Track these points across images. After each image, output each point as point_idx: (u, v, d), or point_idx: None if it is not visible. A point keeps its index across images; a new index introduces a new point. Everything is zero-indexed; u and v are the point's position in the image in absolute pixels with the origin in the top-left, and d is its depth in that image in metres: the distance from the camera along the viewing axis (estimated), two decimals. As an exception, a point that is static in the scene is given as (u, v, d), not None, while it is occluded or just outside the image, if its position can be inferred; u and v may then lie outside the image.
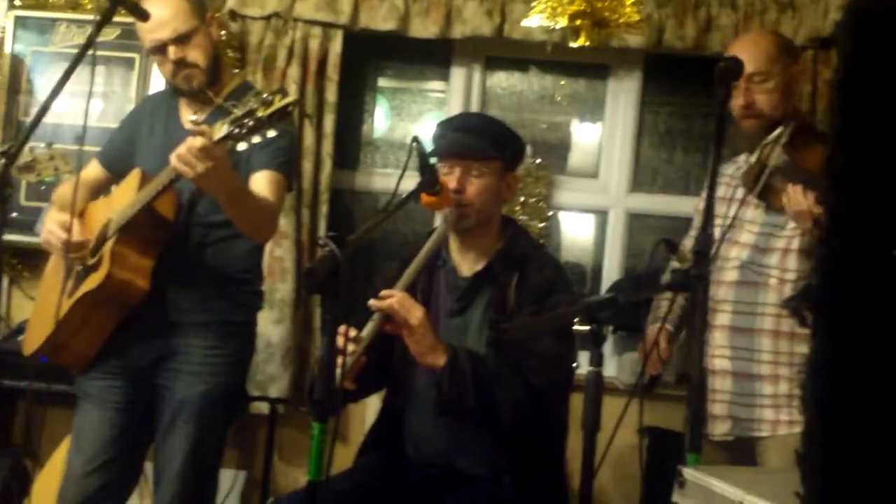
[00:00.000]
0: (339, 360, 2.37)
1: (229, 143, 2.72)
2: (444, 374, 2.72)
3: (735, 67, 2.73)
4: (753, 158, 3.08)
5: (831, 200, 1.28)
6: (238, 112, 2.68)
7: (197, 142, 2.71)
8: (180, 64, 3.19)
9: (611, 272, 4.77)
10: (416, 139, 2.80)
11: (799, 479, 1.30)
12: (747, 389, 3.09)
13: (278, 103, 2.64)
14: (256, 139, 2.69)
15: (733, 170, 3.29)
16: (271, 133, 2.69)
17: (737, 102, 3.10)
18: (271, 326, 4.37)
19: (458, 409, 2.75)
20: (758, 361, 3.08)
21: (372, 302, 2.74)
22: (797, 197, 2.76)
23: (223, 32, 4.49)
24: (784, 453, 3.02)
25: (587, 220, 4.94)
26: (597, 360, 2.25)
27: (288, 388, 4.47)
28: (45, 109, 2.76)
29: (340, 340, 2.42)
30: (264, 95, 2.66)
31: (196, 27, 3.19)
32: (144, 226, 3.10)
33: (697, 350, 2.20)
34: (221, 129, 2.70)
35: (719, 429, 3.08)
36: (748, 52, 3.08)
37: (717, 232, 3.08)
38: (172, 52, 3.17)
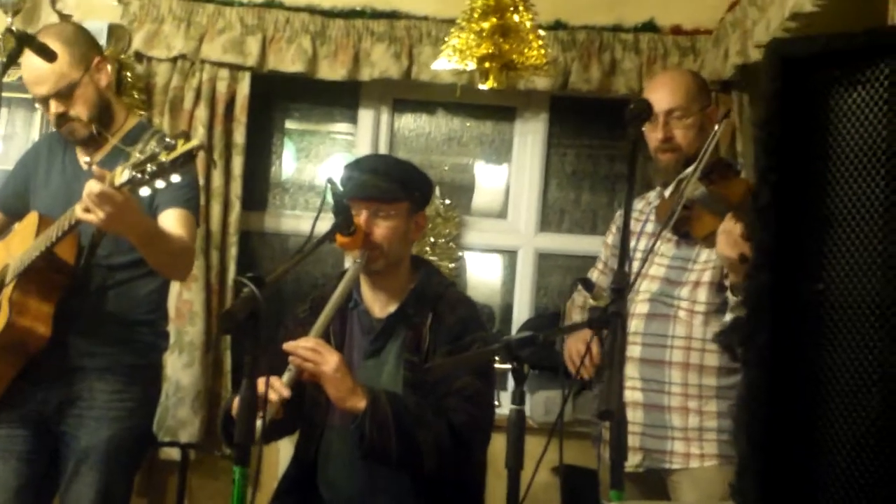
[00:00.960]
0: (260, 409, 2.34)
1: (132, 187, 2.65)
2: (365, 418, 2.69)
3: (645, 109, 2.77)
4: (668, 192, 3.14)
5: (757, 236, 1.32)
6: (140, 156, 2.61)
7: (96, 187, 2.64)
8: (61, 117, 3.13)
9: (521, 311, 4.82)
10: (330, 180, 2.81)
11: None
12: (658, 421, 3.12)
13: (181, 148, 2.57)
14: (160, 184, 2.61)
15: (643, 205, 3.36)
16: (175, 178, 2.61)
17: (655, 136, 3.17)
18: (181, 370, 4.31)
19: (382, 452, 2.72)
20: (668, 393, 3.11)
21: (287, 348, 2.71)
22: (728, 225, 2.80)
23: (128, 74, 4.45)
24: (696, 486, 3.06)
25: (494, 261, 4.99)
26: (518, 399, 2.25)
27: (199, 433, 4.41)
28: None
29: (262, 387, 2.39)
30: (167, 139, 2.58)
31: (77, 80, 3.10)
32: (44, 271, 3.03)
33: (618, 386, 2.22)
34: (123, 174, 2.63)
35: (631, 460, 3.08)
36: (668, 88, 3.19)
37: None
38: (54, 106, 3.11)
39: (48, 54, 2.93)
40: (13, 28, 2.92)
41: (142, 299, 3.23)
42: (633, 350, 3.13)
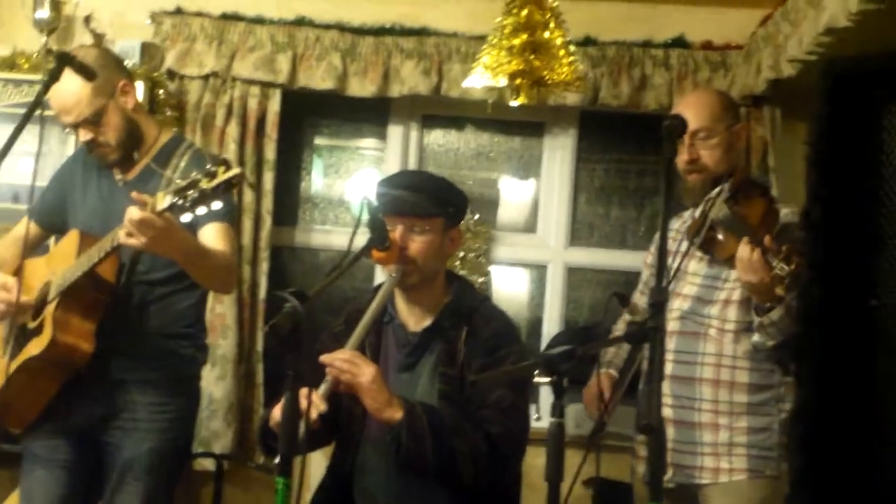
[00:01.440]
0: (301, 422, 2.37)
1: (173, 213, 2.69)
2: (401, 428, 2.72)
3: (680, 125, 2.79)
4: (698, 212, 3.15)
5: (809, 253, 1.33)
6: (182, 183, 2.64)
7: (137, 214, 2.69)
8: (91, 144, 3.17)
9: (551, 325, 4.84)
10: (366, 198, 2.83)
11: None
12: (688, 437, 3.13)
13: (222, 176, 2.60)
14: (201, 210, 2.65)
15: (679, 224, 3.36)
16: (216, 205, 2.65)
17: (681, 158, 3.17)
18: (214, 383, 4.35)
19: (418, 462, 2.74)
20: (698, 410, 3.13)
21: (325, 360, 2.74)
22: (743, 249, 2.83)
23: (161, 91, 4.50)
24: (726, 500, 3.07)
25: (521, 275, 5.01)
26: (558, 412, 2.27)
27: (231, 445, 4.45)
28: (-5, 168, 2.74)
29: (303, 402, 2.42)
30: (208, 166, 2.62)
31: (102, 107, 3.14)
32: (86, 289, 3.08)
33: (657, 400, 2.23)
34: (164, 200, 2.67)
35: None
36: (693, 109, 3.17)
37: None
38: (82, 133, 3.16)
39: (88, 73, 2.97)
40: (53, 48, 2.94)
41: (181, 313, 3.28)
42: (665, 367, 3.10)
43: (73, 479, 3.25)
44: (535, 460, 3.20)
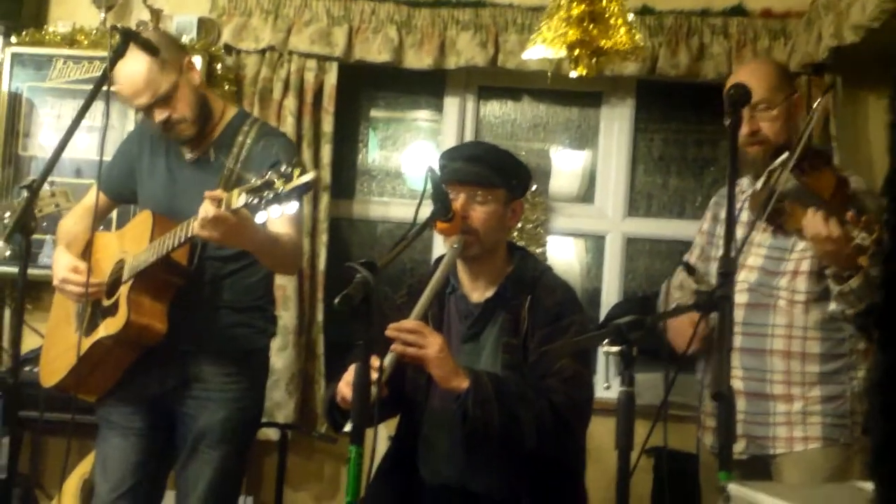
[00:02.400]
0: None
1: (247, 210, 2.72)
2: (467, 397, 2.74)
3: (744, 94, 2.78)
4: (760, 184, 3.12)
5: (893, 221, 1.33)
6: (257, 182, 2.67)
7: (211, 212, 2.74)
8: (167, 122, 3.18)
9: (609, 295, 4.84)
10: (430, 168, 2.84)
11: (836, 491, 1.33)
12: (761, 409, 3.12)
13: (297, 180, 2.62)
14: (275, 212, 2.68)
15: (736, 192, 3.32)
16: (291, 208, 2.68)
17: (741, 131, 3.11)
18: (275, 354, 4.39)
19: (484, 430, 2.76)
20: (770, 382, 3.11)
21: (391, 332, 2.75)
22: (816, 222, 2.81)
23: (219, 66, 4.53)
24: (799, 469, 3.06)
25: (578, 246, 5.01)
26: (628, 381, 2.28)
27: (294, 415, 4.51)
28: (64, 144, 2.78)
29: (373, 373, 2.44)
30: (283, 168, 2.64)
31: (174, 83, 3.15)
32: (161, 272, 3.14)
33: (728, 368, 2.24)
34: (239, 199, 2.71)
35: (734, 447, 3.07)
36: (752, 80, 3.09)
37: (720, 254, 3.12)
38: (157, 113, 3.16)
39: (152, 49, 2.99)
40: (118, 25, 2.96)
41: (252, 286, 3.32)
42: (735, 340, 3.09)
43: (148, 445, 3.32)
44: (598, 430, 3.21)
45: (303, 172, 2.62)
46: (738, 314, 3.11)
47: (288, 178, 2.63)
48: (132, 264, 3.14)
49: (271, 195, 2.64)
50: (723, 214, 3.23)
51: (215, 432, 3.25)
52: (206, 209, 2.75)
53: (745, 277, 3.15)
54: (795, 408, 3.09)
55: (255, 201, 2.66)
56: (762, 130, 3.16)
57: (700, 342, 3.11)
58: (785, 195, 2.94)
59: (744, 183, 3.31)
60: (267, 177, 2.66)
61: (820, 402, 3.08)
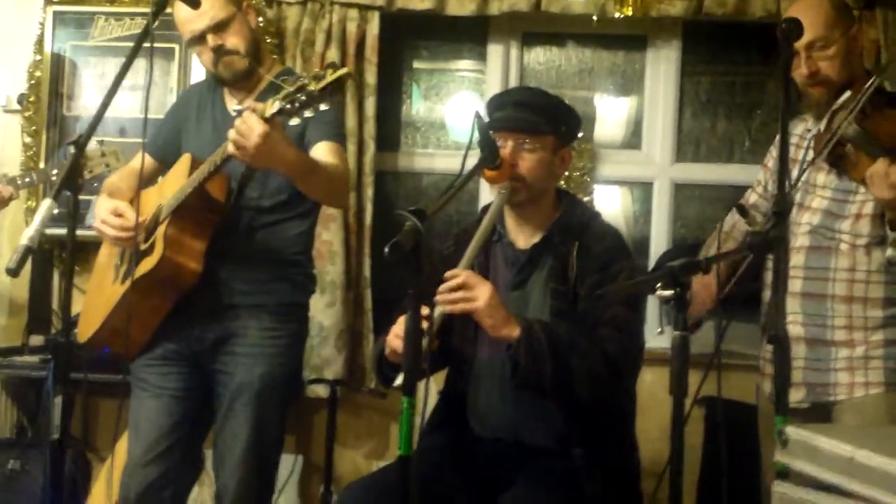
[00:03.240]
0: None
1: (282, 118, 2.70)
2: (519, 346, 2.71)
3: (796, 28, 2.70)
4: (823, 125, 3.03)
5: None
6: (290, 88, 2.66)
7: (243, 121, 2.72)
8: (220, 51, 3.18)
9: (658, 243, 4.78)
10: (477, 114, 2.80)
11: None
12: (822, 355, 3.03)
13: (330, 77, 2.61)
14: (309, 113, 2.68)
15: (802, 129, 3.22)
16: (323, 107, 2.66)
17: (800, 72, 3.03)
18: (323, 310, 4.40)
19: (536, 379, 2.74)
20: (831, 327, 3.02)
21: (443, 286, 2.73)
22: (879, 168, 2.70)
23: (260, 19, 4.50)
24: (860, 414, 2.97)
25: (625, 193, 4.95)
26: (682, 325, 2.24)
27: (342, 371, 4.50)
28: (108, 101, 2.73)
29: (424, 323, 2.42)
30: (316, 70, 2.65)
31: (233, 14, 3.19)
32: (197, 208, 3.11)
33: (783, 310, 2.20)
34: (273, 105, 2.69)
35: (794, 396, 2.99)
36: (806, 19, 2.93)
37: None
38: (211, 39, 3.17)
39: (193, 2, 2.97)
40: (159, -23, 2.94)
41: (290, 240, 3.30)
42: (795, 284, 3.02)
43: (182, 407, 3.30)
44: (649, 379, 3.19)
45: (336, 70, 2.60)
46: (800, 258, 3.04)
47: (320, 78, 2.62)
48: (169, 203, 3.13)
49: (304, 97, 2.62)
50: (791, 153, 3.14)
51: (253, 388, 3.21)
52: (238, 121, 2.73)
53: (808, 220, 3.05)
54: (857, 353, 3.00)
55: (289, 106, 2.64)
56: (822, 71, 3.03)
57: (713, 302, 3.08)
58: (846, 140, 2.85)
59: (809, 121, 3.22)
60: (300, 81, 2.65)
61: (882, 346, 2.99)
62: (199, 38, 3.20)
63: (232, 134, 2.75)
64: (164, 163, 3.47)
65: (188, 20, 3.16)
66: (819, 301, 3.03)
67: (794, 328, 3.01)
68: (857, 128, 2.83)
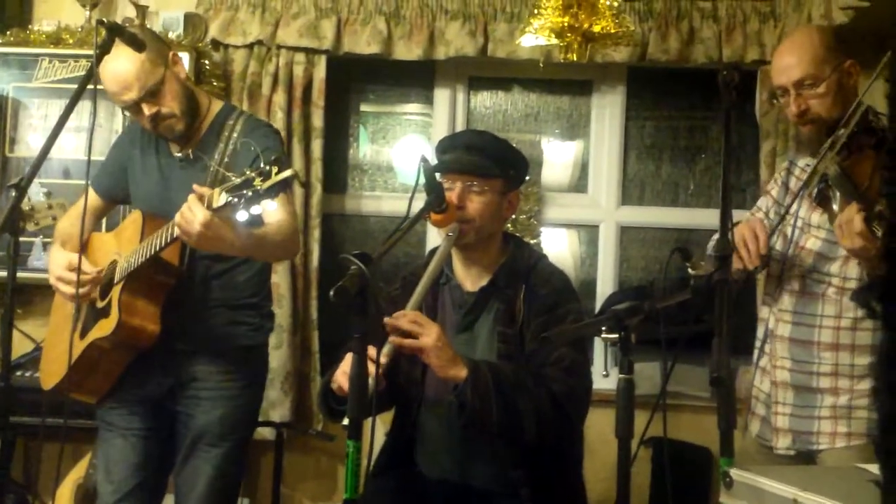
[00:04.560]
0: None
1: (229, 210, 2.70)
2: (466, 387, 2.71)
3: (736, 75, 2.69)
4: (813, 165, 2.94)
5: (893, 195, 1.30)
6: (237, 181, 2.66)
7: (189, 212, 2.73)
8: (156, 117, 3.15)
9: (605, 285, 4.81)
10: (423, 158, 2.81)
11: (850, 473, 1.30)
12: (808, 402, 2.98)
13: (276, 177, 2.61)
14: (255, 210, 2.67)
15: (804, 163, 3.13)
16: (271, 206, 2.68)
17: (790, 111, 2.97)
18: (270, 352, 4.29)
19: (483, 420, 2.73)
20: (817, 374, 2.97)
21: (388, 322, 2.73)
22: (845, 215, 2.64)
23: (206, 62, 4.50)
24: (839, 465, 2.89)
25: (572, 236, 4.99)
26: (627, 368, 2.25)
27: (289, 414, 4.48)
28: (51, 143, 2.74)
29: (370, 366, 2.42)
30: (262, 166, 2.62)
31: (162, 76, 3.12)
32: (150, 273, 3.12)
33: (727, 354, 2.20)
34: (220, 198, 2.69)
35: (782, 442, 2.99)
36: (794, 55, 2.95)
37: (776, 226, 2.98)
38: (146, 108, 3.13)
39: (138, 44, 2.95)
40: (104, 20, 2.92)
41: (244, 284, 3.31)
42: (784, 328, 3.01)
43: (149, 447, 3.32)
44: (596, 420, 3.19)
45: (282, 168, 2.60)
46: (791, 302, 3.00)
47: (267, 175, 2.61)
48: (123, 265, 3.14)
49: (250, 193, 2.63)
50: (791, 184, 3.12)
51: (214, 430, 3.24)
52: (185, 210, 2.74)
53: (801, 261, 3.00)
54: (841, 401, 2.94)
55: (236, 200, 2.65)
56: (812, 109, 2.92)
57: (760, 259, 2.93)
58: (828, 179, 2.75)
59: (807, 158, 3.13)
60: (246, 175, 2.65)
61: (868, 395, 2.92)
62: (134, 108, 3.16)
63: (178, 218, 2.76)
64: (112, 200, 3.48)
65: (118, 93, 3.12)
66: (806, 347, 2.98)
67: (782, 373, 3.01)
68: (838, 168, 2.73)
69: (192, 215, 2.72)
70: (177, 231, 2.82)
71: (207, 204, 2.72)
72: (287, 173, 2.61)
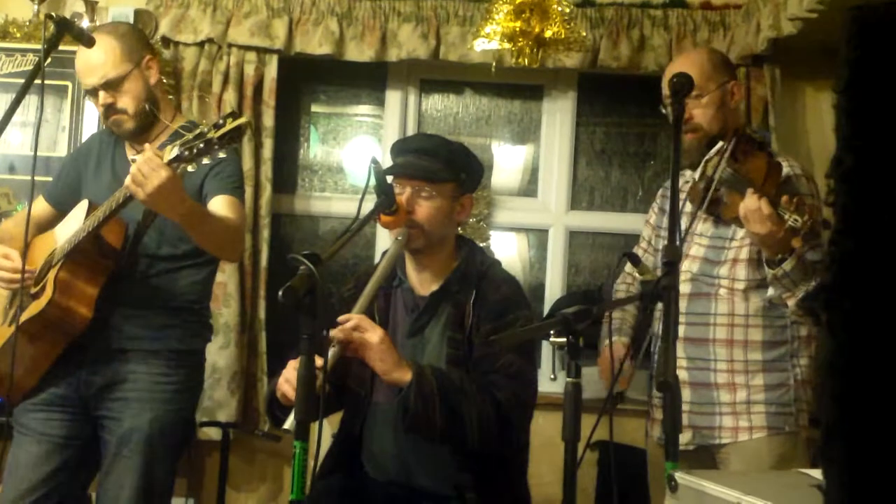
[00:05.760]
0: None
1: (180, 165, 2.70)
2: (410, 391, 2.72)
3: (686, 83, 2.79)
4: (698, 174, 3.14)
5: (840, 202, 1.32)
6: (189, 136, 2.66)
7: (143, 156, 2.71)
8: (109, 109, 3.17)
9: (553, 289, 4.82)
10: (374, 160, 2.80)
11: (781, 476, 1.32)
12: (705, 398, 3.14)
13: (229, 125, 2.63)
14: (206, 160, 2.69)
15: (681, 183, 3.33)
16: (221, 154, 2.68)
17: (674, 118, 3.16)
18: (217, 352, 4.33)
19: (426, 425, 2.74)
20: (714, 370, 3.14)
21: (334, 332, 2.72)
22: (748, 202, 2.82)
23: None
24: (744, 458, 3.08)
25: (521, 240, 4.99)
26: (574, 372, 2.26)
27: (235, 414, 4.44)
28: (-5, 139, 2.71)
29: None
30: (217, 120, 2.64)
31: (127, 72, 3.15)
32: (91, 253, 3.07)
33: (673, 358, 2.24)
34: (172, 151, 2.69)
35: (681, 438, 3.07)
36: (682, 69, 3.13)
37: (662, 244, 3.14)
38: (102, 97, 3.16)
39: (87, 40, 2.94)
40: (53, 14, 2.90)
41: (185, 288, 3.27)
42: (678, 330, 3.12)
43: (63, 455, 3.22)
44: (543, 424, 3.21)
45: (235, 119, 2.60)
46: (682, 304, 3.10)
47: (219, 127, 2.63)
48: (62, 246, 3.09)
49: (202, 144, 2.62)
50: (668, 206, 3.26)
51: (141, 434, 3.15)
52: (141, 157, 2.72)
53: (687, 267, 3.17)
54: (740, 397, 3.11)
55: (187, 153, 2.64)
56: (694, 119, 3.18)
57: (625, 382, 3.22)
58: (721, 184, 2.97)
59: (687, 174, 3.33)
60: (199, 129, 2.65)
61: (764, 390, 3.10)
62: (93, 92, 3.19)
63: (133, 169, 2.72)
64: (63, 210, 3.41)
65: (82, 72, 3.17)
66: (701, 345, 3.15)
67: (679, 373, 3.06)
68: (730, 170, 2.98)
69: (150, 164, 2.68)
70: (126, 183, 2.76)
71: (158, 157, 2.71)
72: (240, 121, 2.62)
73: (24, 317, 3.06)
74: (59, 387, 3.20)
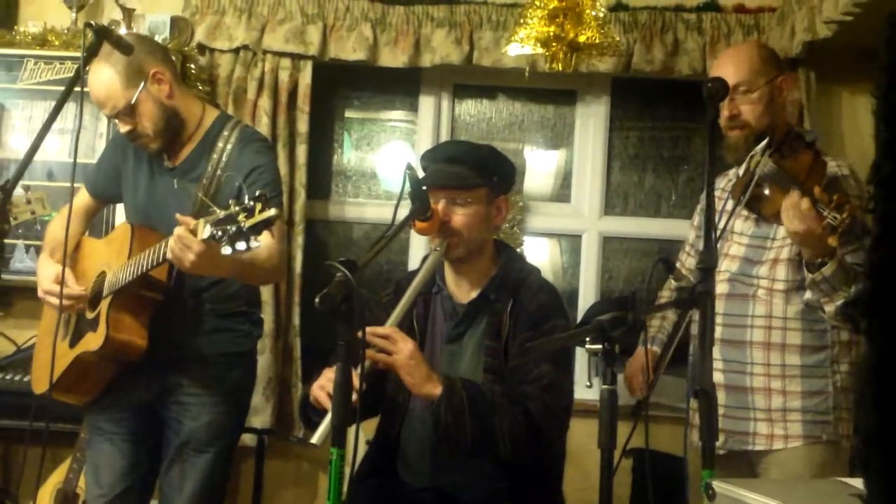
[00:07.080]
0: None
1: (213, 244, 2.69)
2: (440, 405, 2.71)
3: (722, 88, 2.76)
4: (742, 170, 3.11)
5: (879, 209, 1.32)
6: (220, 214, 2.64)
7: (179, 234, 2.74)
8: (131, 134, 3.19)
9: (587, 295, 4.82)
10: (408, 166, 2.80)
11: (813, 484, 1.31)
12: (740, 402, 3.10)
13: (258, 216, 2.58)
14: (241, 247, 2.63)
15: (725, 183, 3.32)
16: (255, 244, 2.64)
17: (722, 115, 3.12)
18: (252, 358, 4.34)
19: (457, 437, 2.74)
20: (750, 374, 3.09)
21: (368, 337, 2.71)
22: (788, 200, 2.79)
23: (191, 66, 4.48)
24: (782, 468, 3.04)
25: (554, 245, 4.99)
26: (610, 379, 2.26)
27: (271, 420, 4.46)
28: (36, 146, 2.72)
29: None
30: (246, 201, 2.60)
31: (133, 97, 3.12)
32: (139, 289, 3.13)
33: (710, 366, 2.23)
34: (204, 231, 2.68)
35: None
36: (732, 64, 3.13)
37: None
38: (121, 124, 3.18)
39: (125, 47, 2.94)
40: (92, 23, 2.92)
41: (233, 294, 3.31)
42: (715, 331, 3.09)
43: (137, 450, 3.33)
44: (578, 431, 3.20)
45: (265, 206, 2.58)
46: (719, 305, 3.04)
47: (250, 212, 2.59)
48: (111, 280, 3.14)
49: (234, 229, 2.60)
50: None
51: (201, 436, 3.25)
52: (175, 237, 2.75)
53: (726, 267, 3.13)
54: (775, 404, 3.06)
55: (220, 234, 2.63)
56: (742, 115, 3.13)
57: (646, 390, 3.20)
58: (763, 179, 2.93)
59: (731, 173, 3.30)
60: (230, 209, 2.63)
61: (801, 397, 3.05)
62: (113, 119, 3.23)
63: (171, 243, 2.77)
64: (105, 200, 3.53)
65: (97, 104, 3.19)
66: (738, 347, 3.10)
67: (715, 375, 3.05)
68: (774, 165, 2.93)
69: (186, 246, 2.73)
70: (169, 254, 2.81)
71: (193, 233, 2.73)
72: (269, 214, 2.57)
73: (81, 348, 3.17)
74: (122, 390, 3.28)
